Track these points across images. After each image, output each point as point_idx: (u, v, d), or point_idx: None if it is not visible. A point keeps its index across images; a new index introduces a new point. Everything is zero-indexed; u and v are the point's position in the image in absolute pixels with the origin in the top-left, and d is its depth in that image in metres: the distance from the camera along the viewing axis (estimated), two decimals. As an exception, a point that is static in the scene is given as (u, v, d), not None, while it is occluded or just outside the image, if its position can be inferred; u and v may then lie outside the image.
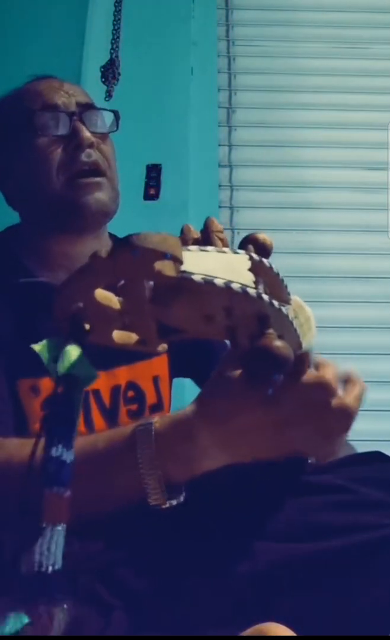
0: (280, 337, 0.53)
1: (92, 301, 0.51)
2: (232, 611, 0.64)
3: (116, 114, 0.99)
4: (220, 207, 1.89)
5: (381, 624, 0.66)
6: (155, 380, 0.94)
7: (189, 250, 0.52)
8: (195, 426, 0.64)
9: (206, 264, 0.51)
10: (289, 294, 0.59)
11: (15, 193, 0.96)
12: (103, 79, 1.45)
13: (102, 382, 0.88)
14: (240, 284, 0.50)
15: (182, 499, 0.66)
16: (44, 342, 0.55)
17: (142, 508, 0.66)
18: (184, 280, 0.49)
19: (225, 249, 0.55)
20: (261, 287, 0.52)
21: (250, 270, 0.53)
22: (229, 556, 0.66)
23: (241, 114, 1.99)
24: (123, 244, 0.48)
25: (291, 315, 0.56)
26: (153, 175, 1.51)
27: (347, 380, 0.65)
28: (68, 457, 0.54)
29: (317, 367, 0.63)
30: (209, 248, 0.54)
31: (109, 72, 1.44)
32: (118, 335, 0.55)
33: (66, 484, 0.54)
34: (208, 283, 0.49)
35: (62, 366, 0.54)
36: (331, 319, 1.82)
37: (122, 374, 0.90)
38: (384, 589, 0.65)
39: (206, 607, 0.64)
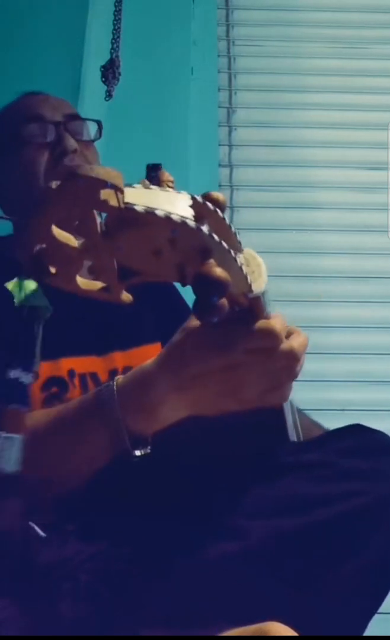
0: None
1: (52, 239, 0.53)
2: (226, 593, 0.64)
3: (99, 124, 1.05)
4: (220, 207, 1.89)
5: (374, 586, 0.68)
6: None
7: (133, 187, 0.55)
8: (153, 374, 0.70)
9: (149, 198, 0.54)
10: (240, 242, 0.62)
11: (7, 201, 1.01)
12: (103, 79, 1.44)
13: (99, 366, 0.91)
14: (180, 215, 0.53)
15: (148, 450, 0.70)
16: (16, 280, 0.61)
17: (127, 492, 0.69)
18: (127, 211, 0.52)
19: (169, 188, 0.57)
20: (205, 225, 0.54)
21: (191, 207, 0.55)
22: (218, 537, 0.67)
23: (241, 114, 1.99)
24: (69, 174, 0.50)
25: (240, 261, 0.59)
26: (153, 175, 1.50)
27: (291, 331, 0.70)
28: (26, 379, 0.60)
29: (267, 317, 0.67)
30: (153, 187, 0.57)
31: (109, 72, 1.44)
32: (82, 282, 0.57)
33: (23, 402, 0.60)
34: (149, 213, 0.52)
35: (19, 298, 0.59)
36: (331, 319, 1.82)
37: (119, 359, 0.93)
38: (373, 552, 0.67)
39: (200, 591, 0.65)
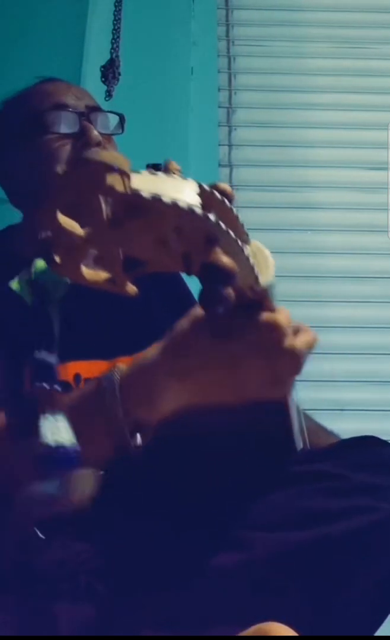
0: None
1: (58, 227, 0.53)
2: (231, 604, 0.64)
3: (122, 117, 1.01)
4: (220, 207, 1.88)
5: (381, 606, 0.67)
6: None
7: (139, 173, 0.54)
8: (154, 360, 0.69)
9: (156, 185, 0.53)
10: (247, 234, 0.61)
11: (19, 190, 0.97)
12: (103, 79, 1.44)
13: (106, 371, 0.90)
14: (187, 202, 0.52)
15: (146, 440, 0.69)
16: (16, 280, 0.59)
17: (130, 496, 0.68)
18: (134, 197, 0.51)
19: (175, 175, 0.57)
20: (212, 213, 0.53)
21: (199, 195, 0.54)
22: (225, 549, 0.66)
23: (241, 114, 1.99)
24: (77, 159, 0.50)
25: (247, 252, 0.58)
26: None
27: (298, 329, 0.69)
28: (51, 359, 0.60)
29: (273, 311, 0.66)
30: (160, 173, 0.56)
31: (109, 72, 1.44)
32: (88, 272, 0.56)
33: (54, 380, 0.60)
34: (156, 199, 0.51)
35: (31, 274, 0.60)
36: (331, 319, 1.82)
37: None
38: (383, 571, 0.66)
39: (206, 601, 0.64)
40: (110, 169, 0.50)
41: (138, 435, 0.69)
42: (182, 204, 0.52)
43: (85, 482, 0.62)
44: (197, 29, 1.99)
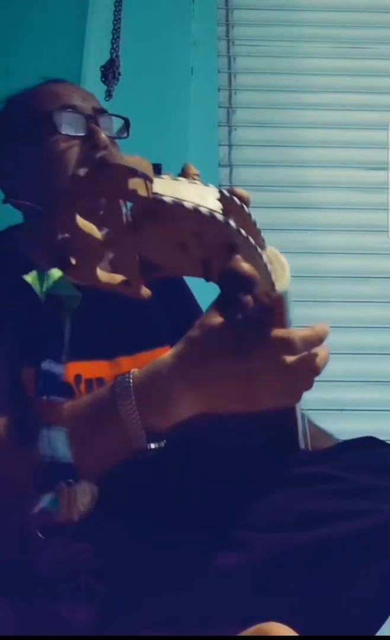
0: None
1: (76, 229, 0.52)
2: (231, 604, 0.64)
3: (127, 121, 1.01)
4: (220, 207, 1.88)
5: (381, 607, 0.67)
6: None
7: (162, 177, 0.54)
8: (169, 369, 0.68)
9: (178, 190, 0.53)
10: (264, 240, 0.61)
11: (22, 190, 0.97)
12: (103, 79, 1.44)
13: (107, 371, 0.89)
14: (208, 208, 0.52)
15: (162, 444, 0.70)
16: (34, 272, 0.60)
17: (132, 495, 0.67)
18: (155, 202, 0.51)
19: (196, 180, 0.56)
20: (232, 219, 0.53)
21: (219, 200, 0.54)
22: (225, 549, 0.66)
23: (241, 114, 1.99)
24: (99, 162, 0.50)
25: (265, 259, 0.58)
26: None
27: (313, 343, 0.68)
28: (58, 370, 0.59)
29: (289, 319, 0.66)
30: (181, 178, 0.56)
31: (109, 72, 1.43)
32: (103, 275, 0.56)
33: (58, 392, 0.59)
34: (178, 205, 0.51)
35: (46, 286, 0.59)
36: (331, 319, 1.81)
37: (126, 364, 0.91)
38: (383, 572, 0.66)
39: (206, 602, 0.64)
40: (134, 173, 0.49)
41: (151, 442, 0.68)
42: (203, 209, 0.51)
43: (80, 497, 0.61)
44: (197, 29, 1.99)
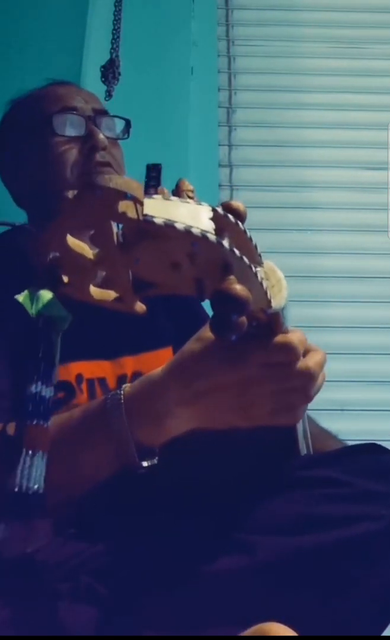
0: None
1: (67, 249, 0.52)
2: (232, 607, 0.64)
3: (128, 122, 1.02)
4: (220, 207, 1.88)
5: (382, 613, 0.67)
6: None
7: (153, 198, 0.53)
8: (162, 384, 0.67)
9: (169, 211, 0.52)
10: (260, 255, 0.60)
11: (25, 191, 0.98)
12: (103, 79, 1.44)
13: (109, 371, 0.89)
14: (200, 229, 0.51)
15: (155, 461, 0.68)
16: (26, 292, 0.59)
17: (133, 497, 0.67)
18: (146, 223, 0.50)
19: (189, 200, 0.55)
20: (225, 239, 0.52)
21: (212, 220, 0.53)
22: (227, 552, 0.66)
23: (241, 114, 1.99)
24: (88, 185, 0.49)
25: (261, 276, 0.57)
26: (153, 174, 1.50)
27: (309, 349, 0.67)
28: (47, 393, 0.59)
29: (285, 332, 0.64)
30: (173, 198, 0.55)
31: (109, 72, 1.44)
32: (96, 291, 0.56)
33: (46, 417, 0.58)
34: (168, 226, 0.50)
35: (36, 308, 0.58)
36: (331, 319, 1.82)
37: (128, 364, 0.91)
38: (384, 577, 0.66)
39: (206, 604, 0.64)
40: (123, 196, 0.49)
41: (145, 459, 0.68)
42: (195, 230, 0.50)
43: (34, 534, 0.60)
44: (197, 29, 1.99)
